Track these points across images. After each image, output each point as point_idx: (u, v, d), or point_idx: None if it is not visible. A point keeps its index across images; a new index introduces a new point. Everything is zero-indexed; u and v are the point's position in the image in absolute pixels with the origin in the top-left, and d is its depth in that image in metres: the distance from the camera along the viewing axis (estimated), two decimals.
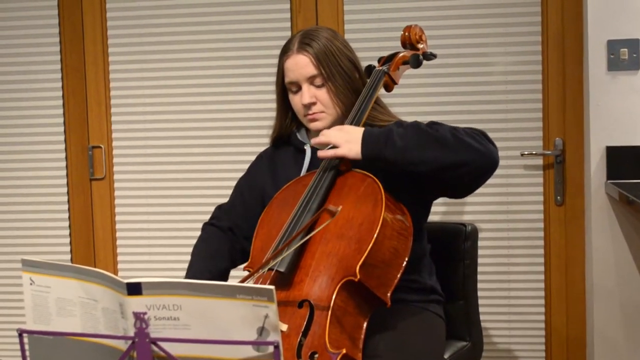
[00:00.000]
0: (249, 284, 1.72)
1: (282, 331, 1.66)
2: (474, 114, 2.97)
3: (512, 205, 3.01)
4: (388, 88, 2.11)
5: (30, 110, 3.29)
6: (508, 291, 3.04)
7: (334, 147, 1.90)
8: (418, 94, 3.02)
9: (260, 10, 3.12)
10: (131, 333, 1.37)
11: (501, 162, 1.97)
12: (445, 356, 2.17)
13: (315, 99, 2.03)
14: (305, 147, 2.11)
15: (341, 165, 1.94)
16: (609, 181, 2.76)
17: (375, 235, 1.76)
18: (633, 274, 2.79)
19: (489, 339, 3.00)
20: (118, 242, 3.28)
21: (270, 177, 2.16)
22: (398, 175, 1.93)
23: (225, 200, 2.25)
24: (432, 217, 2.17)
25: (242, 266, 1.97)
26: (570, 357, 3.00)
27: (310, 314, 1.72)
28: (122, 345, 1.40)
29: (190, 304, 1.34)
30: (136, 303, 1.35)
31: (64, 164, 3.29)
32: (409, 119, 2.03)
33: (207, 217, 2.25)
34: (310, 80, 2.03)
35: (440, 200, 2.21)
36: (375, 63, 2.15)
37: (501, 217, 3.02)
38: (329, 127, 2.01)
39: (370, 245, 1.75)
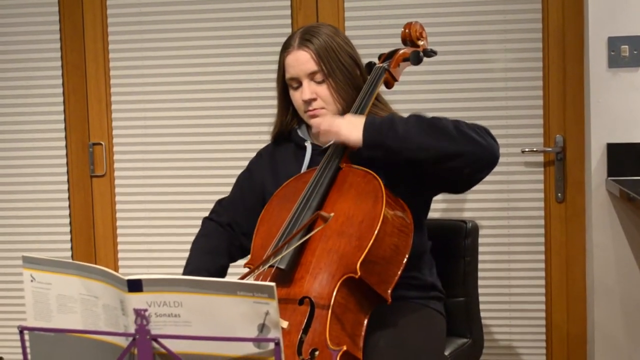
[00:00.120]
0: (250, 280, 1.72)
1: (282, 328, 1.66)
2: (475, 110, 2.97)
3: (512, 202, 3.01)
4: (388, 85, 2.11)
5: (30, 107, 3.28)
6: (508, 288, 3.04)
7: (336, 131, 1.90)
8: (418, 90, 3.02)
9: (260, 7, 3.12)
10: (132, 330, 1.37)
11: (501, 159, 1.97)
12: (446, 353, 2.17)
13: (315, 95, 2.03)
14: (305, 144, 2.11)
15: (342, 162, 1.94)
16: (609, 178, 2.76)
17: (375, 232, 1.76)
18: (633, 271, 2.79)
19: (489, 335, 3.00)
20: (119, 239, 3.28)
21: (270, 174, 2.16)
22: (398, 171, 1.93)
23: (225, 196, 2.26)
24: (433, 214, 2.17)
25: (242, 263, 1.97)
26: (570, 353, 3.00)
27: (311, 311, 1.73)
28: (123, 342, 1.40)
29: (191, 300, 1.34)
30: (137, 300, 1.35)
31: (64, 161, 3.29)
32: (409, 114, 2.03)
33: (207, 214, 2.25)
34: (311, 76, 2.03)
35: (440, 197, 2.21)
36: (376, 60, 2.15)
37: (502, 214, 3.02)
38: None
39: (371, 242, 1.75)
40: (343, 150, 1.94)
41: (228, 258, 2.16)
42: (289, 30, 3.05)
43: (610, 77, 2.78)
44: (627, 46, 2.75)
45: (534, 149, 2.97)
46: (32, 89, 3.28)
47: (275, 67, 2.13)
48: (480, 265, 2.41)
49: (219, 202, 2.26)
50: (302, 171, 2.07)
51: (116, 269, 3.24)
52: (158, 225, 3.24)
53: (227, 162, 3.13)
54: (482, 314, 2.39)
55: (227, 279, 1.37)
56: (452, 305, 2.25)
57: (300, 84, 2.05)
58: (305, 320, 1.71)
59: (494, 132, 1.96)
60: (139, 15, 3.19)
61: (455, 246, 2.33)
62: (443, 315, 2.14)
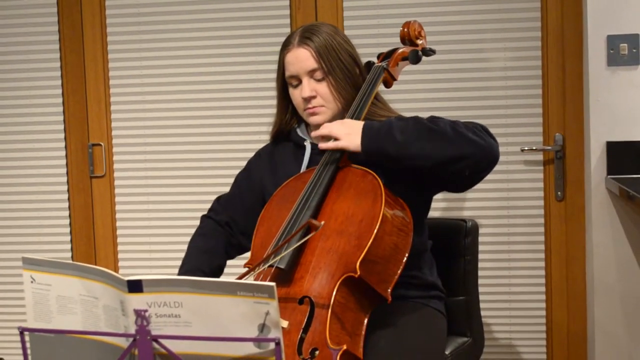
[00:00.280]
0: (250, 280, 1.72)
1: (282, 327, 1.66)
2: (474, 109, 2.97)
3: (512, 201, 3.01)
4: (387, 84, 2.11)
5: (30, 109, 3.29)
6: (509, 287, 3.04)
7: (335, 139, 1.90)
8: (417, 89, 3.02)
9: (259, 7, 3.12)
10: (132, 330, 1.37)
11: (501, 158, 1.97)
12: (446, 352, 2.17)
13: (315, 92, 2.03)
14: (305, 143, 2.11)
15: (341, 162, 1.94)
16: (609, 176, 2.76)
17: (375, 232, 1.76)
18: (633, 269, 2.79)
19: (489, 334, 3.00)
20: (118, 239, 3.28)
21: (269, 174, 2.16)
22: (398, 171, 1.93)
23: (224, 193, 2.26)
24: (433, 213, 2.17)
25: (242, 262, 1.97)
26: (571, 352, 3.00)
27: (311, 311, 1.73)
28: (123, 342, 1.40)
29: (191, 301, 1.34)
30: (137, 300, 1.35)
31: (64, 161, 3.29)
32: (408, 114, 2.03)
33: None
34: (311, 73, 2.03)
35: (440, 195, 2.21)
36: (375, 59, 2.15)
37: (501, 212, 3.02)
38: (328, 122, 2.01)
39: (370, 241, 1.75)
40: (342, 151, 1.94)
41: (225, 257, 2.17)
42: (287, 30, 3.05)
43: (610, 76, 2.77)
44: (626, 44, 2.75)
45: (534, 148, 2.97)
46: (32, 90, 3.28)
47: (274, 66, 2.13)
48: (480, 264, 2.41)
49: (218, 200, 2.26)
50: (302, 170, 2.07)
51: (116, 270, 3.24)
52: (158, 226, 3.24)
53: (227, 162, 3.13)
54: (483, 313, 2.39)
55: (227, 278, 1.36)
56: (452, 304, 2.25)
57: (299, 82, 2.05)
58: (305, 320, 1.71)
59: (493, 131, 1.96)
60: (138, 15, 3.19)
61: (455, 245, 2.33)
62: (443, 315, 2.14)
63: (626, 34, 2.75)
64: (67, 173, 3.29)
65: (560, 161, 2.96)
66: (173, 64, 3.19)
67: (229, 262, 2.23)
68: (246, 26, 3.13)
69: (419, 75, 2.96)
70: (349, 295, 1.76)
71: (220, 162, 3.17)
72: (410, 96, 3.00)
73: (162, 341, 1.36)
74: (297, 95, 2.07)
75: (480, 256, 2.43)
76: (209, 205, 2.28)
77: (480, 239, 2.42)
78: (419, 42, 2.17)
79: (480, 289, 2.40)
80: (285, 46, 2.08)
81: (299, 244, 1.79)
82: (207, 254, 2.13)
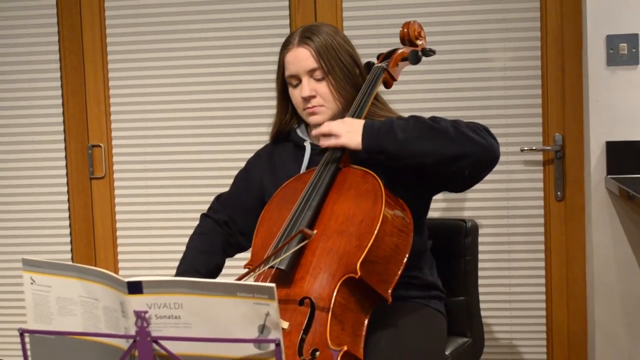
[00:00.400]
0: (250, 281, 1.72)
1: (283, 329, 1.66)
2: (473, 110, 2.97)
3: (512, 201, 3.01)
4: (387, 84, 2.11)
5: (29, 110, 3.29)
6: (509, 287, 3.04)
7: (335, 136, 1.90)
8: (417, 90, 3.02)
9: (259, 8, 3.12)
10: (132, 332, 1.37)
11: (501, 158, 1.97)
12: (447, 352, 2.17)
13: (315, 92, 2.03)
14: (305, 144, 2.11)
15: (341, 162, 1.94)
16: (609, 176, 2.76)
17: (375, 232, 1.76)
18: (633, 269, 2.79)
19: (490, 334, 3.00)
20: (118, 240, 3.28)
21: (269, 174, 2.16)
22: (398, 171, 1.93)
23: (224, 191, 2.26)
24: (432, 213, 2.17)
25: (243, 263, 1.97)
26: (571, 351, 3.00)
27: (311, 311, 1.72)
28: (124, 344, 1.40)
29: (191, 302, 1.34)
30: (137, 302, 1.35)
31: (63, 163, 3.29)
32: (408, 115, 2.02)
33: None
34: (310, 73, 2.03)
35: (440, 196, 2.21)
36: (374, 60, 2.15)
37: (501, 213, 3.02)
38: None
39: (371, 242, 1.75)
40: (342, 150, 1.94)
41: (223, 257, 2.18)
42: (287, 31, 3.05)
43: (609, 75, 2.77)
44: (625, 44, 2.75)
45: (533, 148, 2.97)
46: (32, 91, 3.28)
47: (273, 67, 2.13)
48: (480, 264, 2.41)
49: (217, 199, 2.26)
50: (302, 171, 2.07)
51: (116, 271, 3.24)
52: (158, 227, 3.24)
53: (227, 163, 3.13)
54: (483, 313, 2.39)
55: (227, 279, 1.36)
56: (452, 304, 2.25)
57: (299, 82, 2.05)
58: (306, 321, 1.71)
59: (493, 131, 1.96)
60: (137, 17, 3.19)
61: (455, 245, 2.33)
62: (443, 315, 2.14)
63: (625, 33, 2.75)
64: (66, 174, 3.29)
65: (560, 161, 2.96)
66: (172, 65, 3.18)
67: (229, 263, 2.23)
68: (245, 27, 3.13)
69: (418, 75, 2.96)
70: (349, 296, 1.76)
71: (220, 163, 3.17)
72: (410, 96, 3.00)
73: (162, 342, 1.36)
74: (296, 94, 2.07)
75: (480, 256, 2.43)
76: (207, 206, 2.28)
77: (480, 239, 2.42)
78: (419, 42, 2.17)
79: (480, 289, 2.40)
80: (285, 46, 2.08)
81: (294, 249, 1.78)
82: (204, 254, 2.14)
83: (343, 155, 1.94)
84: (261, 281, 1.79)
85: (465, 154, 1.86)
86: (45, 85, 3.27)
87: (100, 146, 3.25)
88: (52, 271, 1.47)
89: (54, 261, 1.48)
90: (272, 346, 1.31)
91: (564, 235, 2.98)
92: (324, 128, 1.93)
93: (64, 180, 3.29)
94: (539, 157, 2.99)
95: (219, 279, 1.47)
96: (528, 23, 2.96)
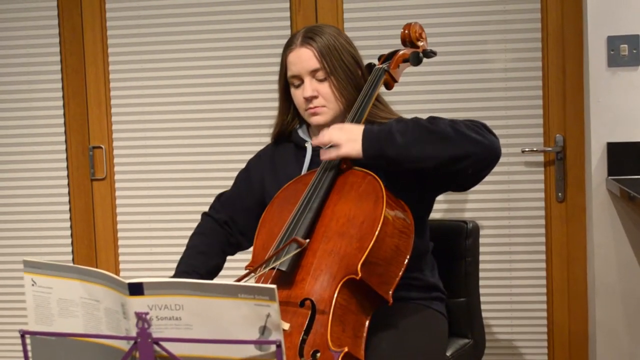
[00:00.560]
0: (251, 282, 1.72)
1: (284, 330, 1.66)
2: (475, 111, 2.97)
3: (513, 202, 3.01)
4: (388, 86, 2.11)
5: (30, 112, 3.29)
6: (510, 288, 3.04)
7: (335, 146, 1.90)
8: (418, 91, 3.02)
9: (259, 9, 3.12)
10: (133, 333, 1.37)
11: (502, 160, 1.96)
12: (448, 354, 2.17)
13: (317, 92, 2.03)
14: (306, 145, 2.11)
15: (342, 164, 1.94)
16: (610, 177, 2.76)
17: (376, 234, 1.76)
18: (634, 270, 2.79)
19: (491, 335, 3.00)
20: (119, 242, 3.28)
21: (270, 175, 2.16)
22: (400, 172, 1.93)
23: (225, 190, 2.27)
24: (434, 215, 2.17)
25: (243, 265, 1.97)
26: (572, 352, 3.00)
27: (312, 313, 1.72)
28: (125, 345, 1.40)
29: (192, 303, 1.34)
30: (138, 303, 1.35)
31: (64, 164, 3.29)
32: (409, 116, 2.02)
33: None
34: (313, 73, 2.03)
35: (441, 197, 2.21)
36: (376, 61, 2.15)
37: (502, 214, 3.02)
38: (329, 123, 2.01)
39: (372, 243, 1.75)
40: None
41: (222, 257, 2.19)
42: (288, 32, 3.05)
43: (610, 76, 2.77)
44: (626, 45, 2.75)
45: (534, 149, 2.97)
46: (32, 92, 3.28)
47: (274, 68, 2.13)
48: (481, 266, 2.41)
49: (219, 198, 2.27)
50: (303, 172, 2.07)
51: (117, 273, 3.24)
52: (159, 228, 3.24)
53: (228, 164, 3.13)
54: (484, 314, 2.39)
55: (227, 281, 1.36)
56: (453, 305, 2.25)
57: (301, 82, 2.05)
58: (307, 322, 1.71)
59: (494, 132, 1.96)
60: (138, 18, 3.19)
61: (456, 247, 2.33)
62: (445, 316, 2.14)
63: (626, 34, 2.75)
64: (67, 176, 3.29)
65: (561, 162, 2.96)
66: (173, 66, 3.18)
67: (230, 264, 2.24)
68: (246, 28, 3.13)
69: (419, 76, 2.96)
70: (350, 298, 1.76)
71: (221, 165, 3.17)
72: (411, 98, 3.00)
73: (163, 344, 1.36)
74: (298, 95, 2.07)
75: (481, 257, 2.43)
76: (208, 207, 2.28)
77: (481, 240, 2.42)
78: (420, 43, 2.17)
79: (481, 290, 2.40)
80: (288, 46, 2.08)
81: (294, 252, 1.78)
82: (203, 254, 2.14)
83: (345, 157, 1.94)
84: (262, 282, 1.79)
85: (466, 154, 1.85)
86: (46, 87, 3.27)
87: (101, 147, 3.25)
88: (53, 273, 1.47)
89: (55, 263, 1.48)
90: (272, 347, 1.31)
91: (565, 236, 2.98)
92: (324, 138, 1.92)
93: (65, 182, 3.29)
94: (540, 158, 2.99)
95: (219, 280, 1.47)
96: (529, 24, 2.96)
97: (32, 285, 1.49)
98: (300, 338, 1.69)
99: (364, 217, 1.81)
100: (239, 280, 1.76)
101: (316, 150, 2.07)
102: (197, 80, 3.18)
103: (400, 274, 1.83)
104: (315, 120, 2.06)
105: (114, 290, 1.38)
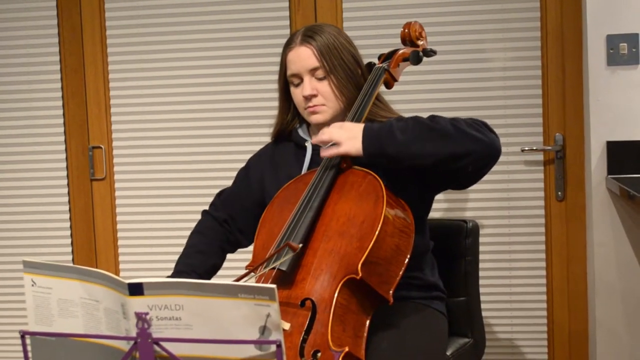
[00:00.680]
0: (251, 282, 1.72)
1: (284, 330, 1.66)
2: (474, 110, 2.97)
3: (513, 202, 3.01)
4: (388, 85, 2.11)
5: (30, 112, 3.28)
6: (510, 287, 3.04)
7: (336, 144, 1.90)
8: (418, 90, 3.02)
9: (258, 9, 3.12)
10: (133, 333, 1.37)
11: (501, 158, 1.96)
12: (448, 353, 2.17)
13: (316, 91, 2.03)
14: (306, 144, 2.11)
15: (342, 163, 1.94)
16: (609, 176, 2.76)
17: (376, 233, 1.76)
18: (634, 269, 2.79)
19: (491, 335, 3.00)
20: (119, 242, 3.28)
21: (270, 174, 2.16)
22: (400, 171, 1.92)
23: (226, 187, 2.27)
24: (433, 214, 2.17)
25: (244, 264, 1.97)
26: (572, 351, 3.00)
27: (313, 313, 1.72)
28: (125, 345, 1.40)
29: (192, 303, 1.34)
30: (138, 303, 1.35)
31: (64, 164, 3.29)
32: (409, 115, 2.02)
33: None
34: (312, 72, 2.03)
35: (441, 196, 2.21)
36: (376, 60, 2.15)
37: (502, 213, 3.02)
38: (329, 122, 2.01)
39: (372, 243, 1.75)
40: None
41: (221, 256, 2.19)
42: (287, 31, 3.05)
43: (609, 75, 2.77)
44: (625, 44, 2.75)
45: (534, 148, 2.96)
46: (32, 92, 3.28)
47: (274, 68, 2.13)
48: (481, 265, 2.41)
49: (219, 195, 2.28)
50: (303, 171, 2.07)
51: (117, 273, 3.24)
52: (158, 228, 3.24)
53: (227, 164, 3.13)
54: (484, 314, 2.39)
55: (227, 280, 1.36)
56: (453, 305, 2.25)
57: (301, 81, 2.05)
58: (307, 322, 1.71)
59: None
60: (137, 18, 3.19)
61: (456, 246, 2.33)
62: (445, 316, 2.14)
63: (626, 33, 2.75)
64: (67, 176, 3.29)
65: (561, 161, 2.96)
66: (172, 65, 3.18)
67: (230, 264, 2.24)
68: (246, 27, 3.13)
69: (419, 75, 2.96)
70: (350, 297, 1.76)
71: (221, 164, 3.16)
72: (411, 97, 3.00)
73: (163, 344, 1.36)
74: (298, 93, 2.07)
75: (481, 257, 2.43)
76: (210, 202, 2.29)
77: (481, 239, 2.42)
78: (420, 42, 2.17)
79: (481, 290, 2.40)
80: (288, 45, 2.08)
81: (293, 254, 1.78)
82: (201, 253, 2.15)
83: (345, 156, 1.94)
84: (262, 282, 1.79)
85: (466, 151, 1.85)
86: (46, 87, 3.27)
87: (100, 147, 3.25)
88: (53, 273, 1.47)
89: (54, 263, 1.48)
90: (273, 347, 1.31)
91: (564, 235, 2.98)
92: (324, 136, 1.92)
93: (65, 182, 3.29)
94: (540, 157, 2.99)
95: (219, 280, 1.47)
96: (528, 23, 2.96)
97: (32, 285, 1.49)
98: (301, 338, 1.69)
99: (364, 217, 1.81)
100: (238, 279, 1.76)
101: (316, 149, 2.07)
102: (196, 79, 3.17)
103: (401, 273, 1.83)
104: (314, 119, 2.06)
105: (113, 290, 1.38)
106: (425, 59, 2.15)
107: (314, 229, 1.85)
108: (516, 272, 3.03)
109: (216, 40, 3.15)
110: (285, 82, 2.11)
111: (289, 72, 2.07)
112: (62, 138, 3.27)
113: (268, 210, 2.02)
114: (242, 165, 2.28)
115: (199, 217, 2.26)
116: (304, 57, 2.03)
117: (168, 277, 2.12)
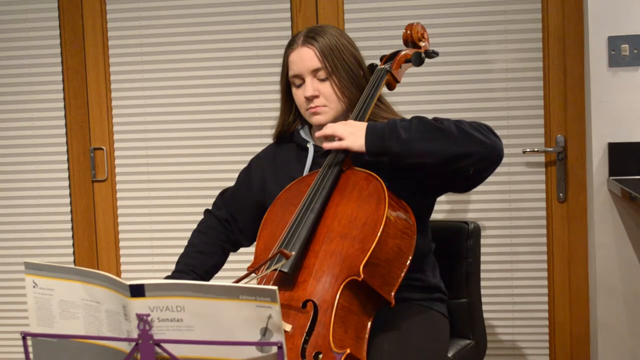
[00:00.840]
0: (253, 284, 1.72)
1: (285, 331, 1.66)
2: (476, 111, 2.97)
3: (514, 203, 3.01)
4: (390, 86, 2.11)
5: (31, 113, 3.29)
6: (511, 289, 3.03)
7: (339, 139, 1.90)
8: (420, 92, 3.02)
9: (260, 10, 3.12)
10: (134, 335, 1.37)
11: (503, 160, 1.96)
12: (449, 355, 2.17)
13: (318, 92, 2.03)
14: (308, 145, 2.11)
15: (344, 165, 1.94)
16: (611, 178, 2.76)
17: (378, 235, 1.76)
18: (636, 270, 2.79)
19: (492, 336, 3.00)
20: (121, 243, 3.28)
21: (272, 175, 2.16)
22: (402, 173, 1.92)
23: (229, 186, 2.27)
24: (435, 216, 2.17)
25: (246, 265, 1.97)
26: (574, 352, 3.00)
27: (314, 314, 1.72)
28: (126, 347, 1.40)
29: (194, 305, 1.33)
30: (139, 305, 1.35)
31: (65, 166, 3.29)
32: (411, 116, 2.02)
33: None
34: (314, 73, 2.03)
35: (442, 198, 2.21)
36: (378, 62, 2.15)
37: (504, 214, 3.02)
38: (331, 122, 2.01)
39: (374, 244, 1.75)
40: (345, 153, 1.94)
41: (222, 256, 2.20)
42: (289, 33, 3.05)
43: (611, 77, 2.77)
44: (627, 45, 2.74)
45: (535, 149, 2.96)
46: (33, 94, 3.28)
47: (275, 69, 2.13)
48: (482, 266, 2.41)
49: (222, 194, 2.28)
50: (305, 172, 2.07)
51: (118, 274, 3.24)
52: (160, 230, 3.24)
53: (229, 166, 3.12)
54: (485, 315, 2.39)
55: (228, 281, 1.36)
56: (455, 306, 2.25)
57: (303, 82, 2.05)
58: (309, 324, 1.71)
59: None
60: (139, 19, 3.19)
61: (458, 247, 2.33)
62: (446, 317, 2.13)
63: (627, 34, 2.75)
64: (69, 177, 3.29)
65: (562, 162, 2.95)
66: (174, 67, 3.18)
67: (231, 265, 2.24)
68: (247, 29, 3.13)
69: (421, 77, 2.96)
70: (352, 299, 1.76)
71: (222, 166, 3.16)
72: (413, 98, 3.00)
73: (165, 345, 1.36)
74: (299, 94, 2.07)
75: (483, 258, 2.42)
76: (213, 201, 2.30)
77: (483, 241, 2.42)
78: (422, 44, 2.17)
79: (483, 291, 2.39)
80: (290, 45, 2.08)
81: (293, 255, 1.78)
82: (202, 253, 2.15)
83: (346, 157, 1.94)
84: (264, 284, 1.79)
85: (468, 153, 1.85)
86: (47, 89, 3.27)
87: (102, 149, 3.25)
88: (54, 274, 1.47)
89: (56, 264, 1.48)
90: (274, 349, 1.31)
91: (566, 236, 2.98)
92: (327, 130, 1.92)
93: (66, 183, 3.29)
94: (541, 158, 2.99)
95: (220, 281, 1.47)
96: (530, 24, 2.96)
97: (34, 287, 1.49)
98: (302, 340, 1.68)
99: (366, 218, 1.81)
100: (239, 280, 1.76)
101: (318, 151, 2.07)
102: (197, 81, 3.17)
103: (403, 275, 1.83)
104: (316, 119, 2.06)
105: (115, 291, 1.38)
106: (427, 60, 2.15)
107: (316, 230, 1.85)
108: (517, 273, 3.03)
109: (217, 42, 3.15)
110: (287, 83, 2.11)
111: (290, 73, 2.07)
112: (64, 139, 3.27)
113: (270, 211, 2.02)
114: (244, 166, 2.28)
115: (200, 218, 2.26)
116: (306, 58, 2.03)
117: (167, 277, 2.12)
